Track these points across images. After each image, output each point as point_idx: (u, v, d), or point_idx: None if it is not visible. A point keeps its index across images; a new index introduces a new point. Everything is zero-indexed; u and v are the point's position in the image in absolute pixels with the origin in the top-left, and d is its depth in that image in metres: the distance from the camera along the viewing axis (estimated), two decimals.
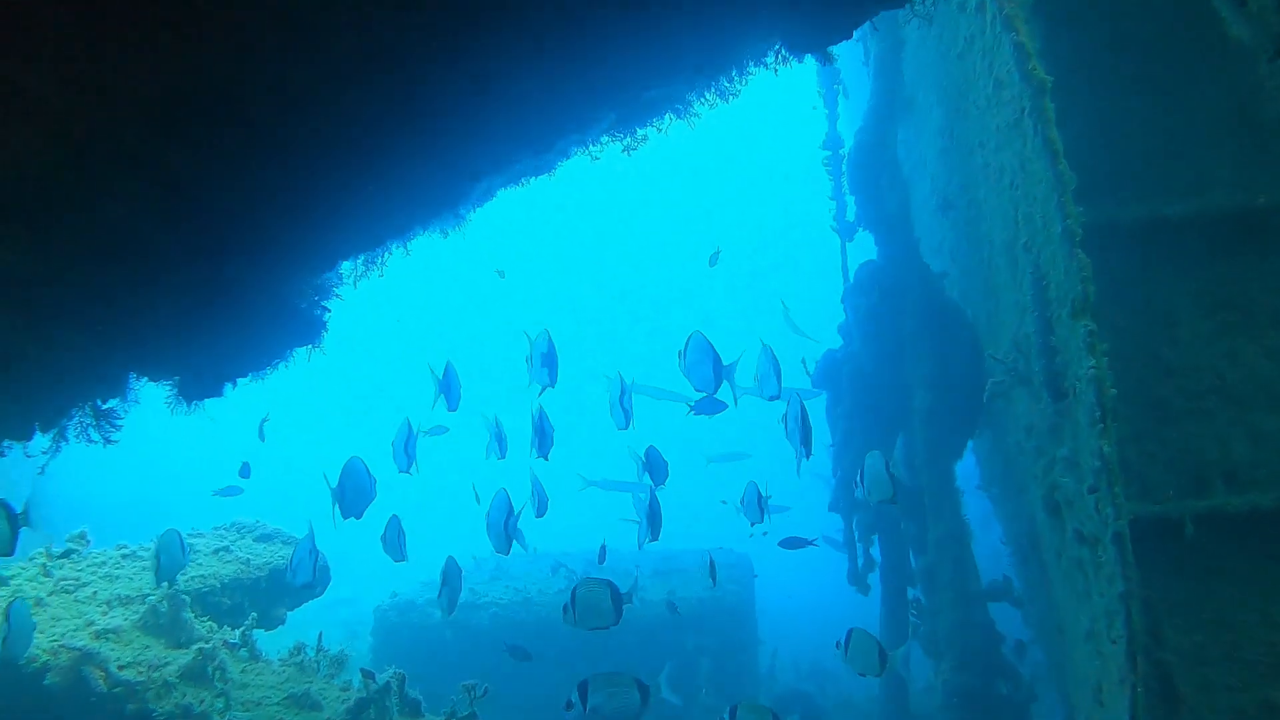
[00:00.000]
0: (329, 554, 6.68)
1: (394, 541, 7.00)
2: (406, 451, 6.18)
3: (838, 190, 9.70)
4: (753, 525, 6.82)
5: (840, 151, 9.75)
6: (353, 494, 5.64)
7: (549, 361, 6.07)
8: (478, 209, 4.10)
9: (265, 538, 7.15)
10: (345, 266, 3.77)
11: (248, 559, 6.55)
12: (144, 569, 5.86)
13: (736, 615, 12.08)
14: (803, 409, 5.30)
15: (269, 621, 6.35)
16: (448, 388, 6.03)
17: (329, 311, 3.66)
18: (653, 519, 6.45)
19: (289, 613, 6.90)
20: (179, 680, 4.80)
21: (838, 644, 5.75)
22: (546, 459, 6.80)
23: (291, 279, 3.33)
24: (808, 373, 9.96)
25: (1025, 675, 8.18)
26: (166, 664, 4.89)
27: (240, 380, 3.66)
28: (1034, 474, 6.41)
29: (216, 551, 6.54)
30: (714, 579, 6.31)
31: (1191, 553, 5.44)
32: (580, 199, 52.46)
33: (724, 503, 17.69)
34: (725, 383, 5.65)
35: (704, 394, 6.00)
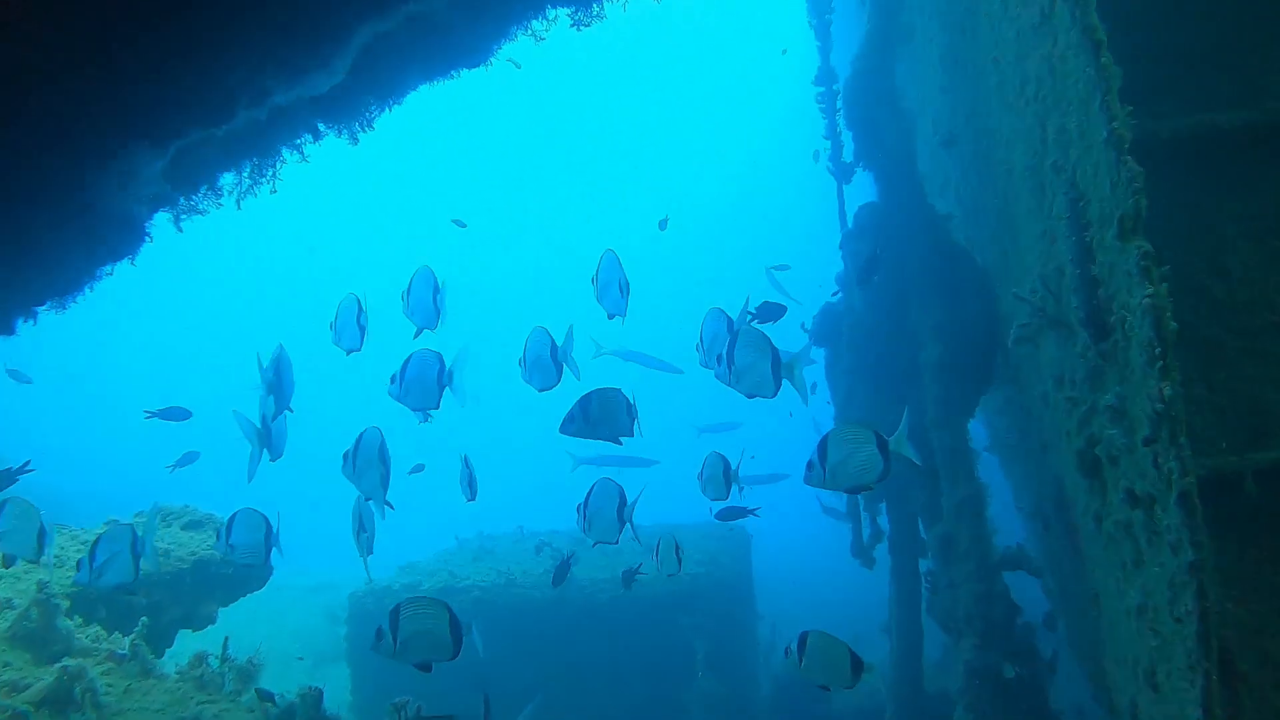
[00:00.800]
0: (292, 532, 5.88)
1: (366, 526, 6.30)
2: (359, 324, 5.25)
3: (832, 128, 8.89)
4: (713, 500, 6.19)
5: (834, 87, 8.93)
6: (287, 385, 4.85)
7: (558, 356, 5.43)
8: (389, 102, 3.30)
9: (194, 525, 6.39)
10: (227, 179, 2.98)
11: (168, 550, 5.78)
12: (33, 567, 5.07)
13: (733, 592, 11.39)
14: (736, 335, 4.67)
15: (196, 621, 5.58)
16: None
17: (149, 207, 2.85)
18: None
19: (222, 609, 6.13)
20: (35, 709, 4.00)
21: (788, 651, 5.12)
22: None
23: (82, 158, 2.50)
24: (805, 330, 9.21)
25: (1046, 651, 7.52)
26: (28, 686, 4.09)
27: (34, 309, 2.86)
28: (1065, 429, 5.66)
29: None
30: (679, 561, 5.59)
31: (1248, 511, 4.70)
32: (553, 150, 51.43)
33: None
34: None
35: (616, 315, 5.45)
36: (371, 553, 6.22)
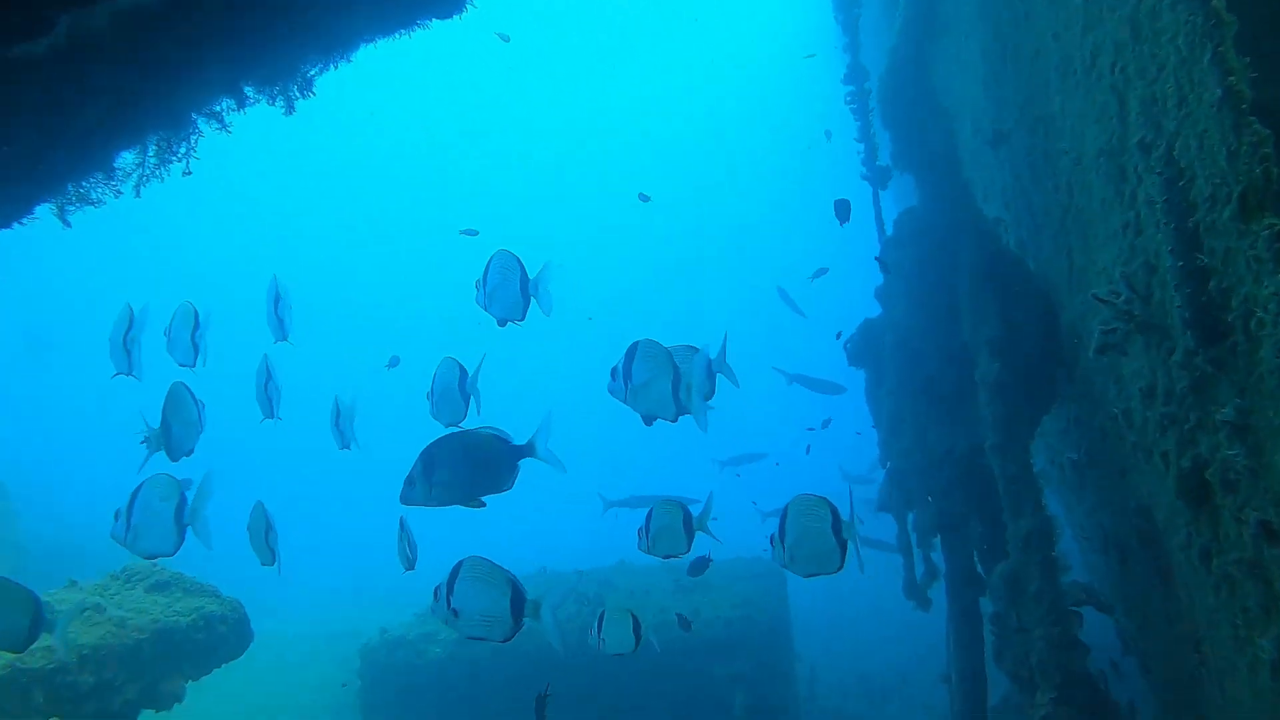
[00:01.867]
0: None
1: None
2: (340, 428, 4.76)
3: (865, 130, 8.20)
4: (665, 557, 5.56)
5: (865, 85, 8.26)
6: (180, 428, 4.22)
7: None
8: (333, 58, 2.63)
9: (159, 586, 5.70)
10: (126, 159, 2.35)
11: (123, 619, 5.08)
12: None
13: (771, 635, 10.57)
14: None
15: (159, 699, 4.85)
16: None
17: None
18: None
19: (189, 683, 5.39)
20: None
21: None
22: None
23: None
24: (843, 346, 8.49)
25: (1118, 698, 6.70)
26: None
27: None
28: (1158, 450, 4.89)
29: (83, 612, 5.07)
30: (689, 531, 4.86)
31: None
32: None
33: (754, 503, 16.29)
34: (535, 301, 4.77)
35: (513, 321, 4.85)
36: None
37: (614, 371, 4.23)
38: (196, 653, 5.37)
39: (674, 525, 4.94)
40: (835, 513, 4.19)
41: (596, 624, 5.66)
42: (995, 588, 6.42)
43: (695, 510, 4.90)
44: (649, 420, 4.50)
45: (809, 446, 14.53)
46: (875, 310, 8.19)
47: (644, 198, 12.48)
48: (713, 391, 4.31)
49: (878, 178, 8.13)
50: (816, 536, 4.19)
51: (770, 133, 47.36)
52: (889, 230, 7.68)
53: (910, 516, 7.41)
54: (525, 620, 3.98)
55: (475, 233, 12.93)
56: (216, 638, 5.60)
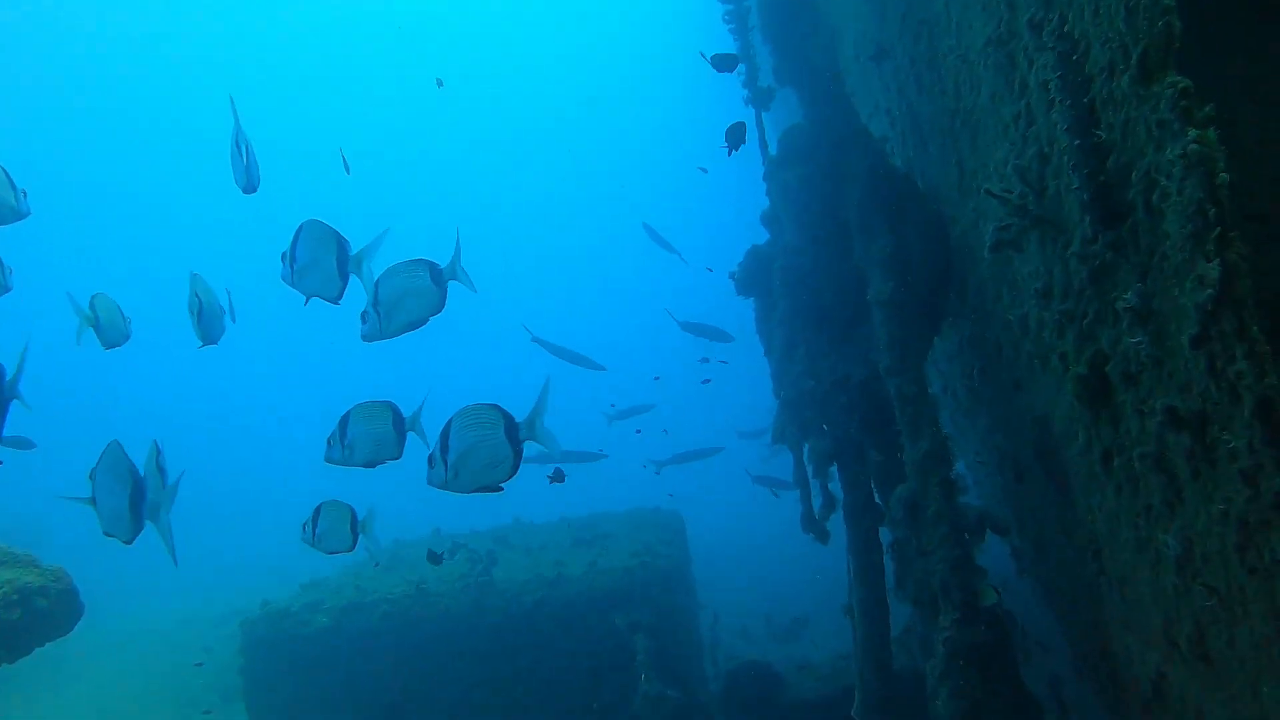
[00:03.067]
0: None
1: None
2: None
3: (745, 49, 7.84)
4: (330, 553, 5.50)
5: (745, 3, 7.90)
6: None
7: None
8: None
9: None
10: None
11: None
12: None
13: (671, 582, 10.32)
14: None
15: None
16: None
17: None
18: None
19: (6, 666, 4.78)
20: None
21: (305, 525, 5.22)
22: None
23: None
24: (734, 277, 8.20)
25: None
26: None
27: None
28: (1056, 353, 4.70)
29: None
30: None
31: None
32: None
33: (638, 432, 16.04)
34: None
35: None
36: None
37: (283, 256, 4.16)
38: (11, 632, 4.75)
39: (382, 423, 4.69)
40: (508, 418, 4.00)
41: (311, 519, 5.34)
42: (894, 512, 6.23)
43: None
44: (312, 297, 4.50)
45: (709, 380, 14.37)
46: (744, 242, 7.92)
47: (440, 83, 11.76)
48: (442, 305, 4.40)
49: (760, 99, 7.79)
50: (490, 446, 4.01)
51: (643, 62, 47.11)
52: (773, 152, 7.37)
53: (805, 447, 7.18)
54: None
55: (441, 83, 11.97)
56: (36, 613, 4.98)
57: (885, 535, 7.23)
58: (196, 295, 5.66)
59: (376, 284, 4.58)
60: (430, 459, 4.19)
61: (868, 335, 7.10)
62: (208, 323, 5.66)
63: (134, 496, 4.15)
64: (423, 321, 4.68)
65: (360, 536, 5.29)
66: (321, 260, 4.57)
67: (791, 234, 7.22)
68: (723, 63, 5.78)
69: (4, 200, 5.39)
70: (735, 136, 6.85)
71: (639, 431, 15.58)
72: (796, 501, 7.69)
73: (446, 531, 13.50)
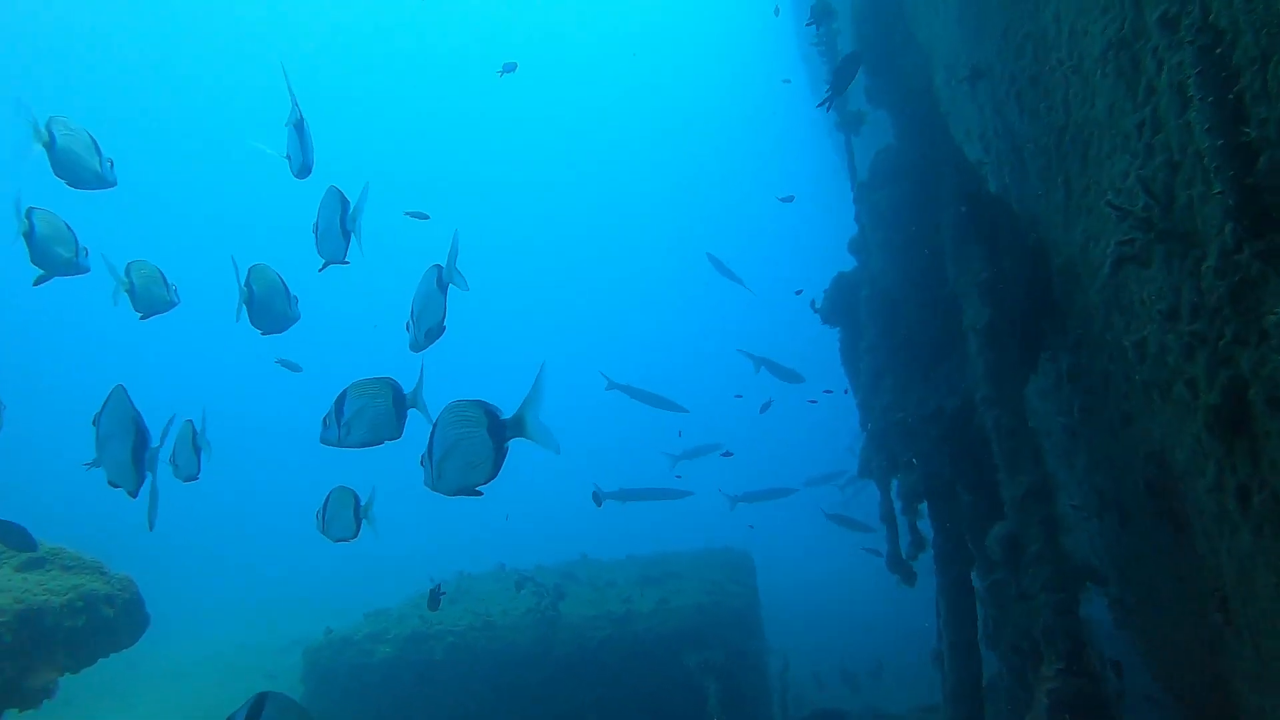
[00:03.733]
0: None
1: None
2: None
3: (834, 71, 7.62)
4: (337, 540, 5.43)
5: (834, 26, 7.70)
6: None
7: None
8: None
9: (33, 564, 4.93)
10: None
11: None
12: None
13: (743, 622, 9.96)
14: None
15: (23, 697, 4.07)
16: None
17: None
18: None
19: (72, 676, 4.63)
20: None
21: (317, 514, 5.24)
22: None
23: None
24: (815, 310, 7.92)
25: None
26: None
27: None
28: (1180, 379, 4.34)
29: None
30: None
31: None
32: None
33: (720, 490, 15.69)
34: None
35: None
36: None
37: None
38: (74, 640, 4.59)
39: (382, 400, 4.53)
40: (493, 415, 3.82)
41: (322, 507, 5.27)
42: (992, 552, 5.85)
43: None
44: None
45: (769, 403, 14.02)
46: (812, 276, 7.69)
47: (508, 69, 11.56)
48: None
49: (849, 123, 7.56)
50: (470, 444, 3.84)
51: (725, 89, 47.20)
52: (862, 176, 7.12)
53: (894, 483, 6.83)
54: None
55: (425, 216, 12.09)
56: (100, 621, 4.83)
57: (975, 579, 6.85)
58: (250, 286, 5.53)
59: (341, 397, 4.55)
60: (421, 459, 4.07)
61: (959, 366, 6.77)
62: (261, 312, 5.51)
63: (137, 446, 3.99)
64: (379, 442, 4.61)
65: (363, 522, 5.13)
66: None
67: (880, 260, 6.94)
68: (843, 71, 5.54)
69: (89, 166, 5.34)
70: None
71: (680, 433, 15.26)
72: (866, 547, 7.35)
73: (512, 566, 13.29)
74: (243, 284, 5.41)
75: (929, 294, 6.71)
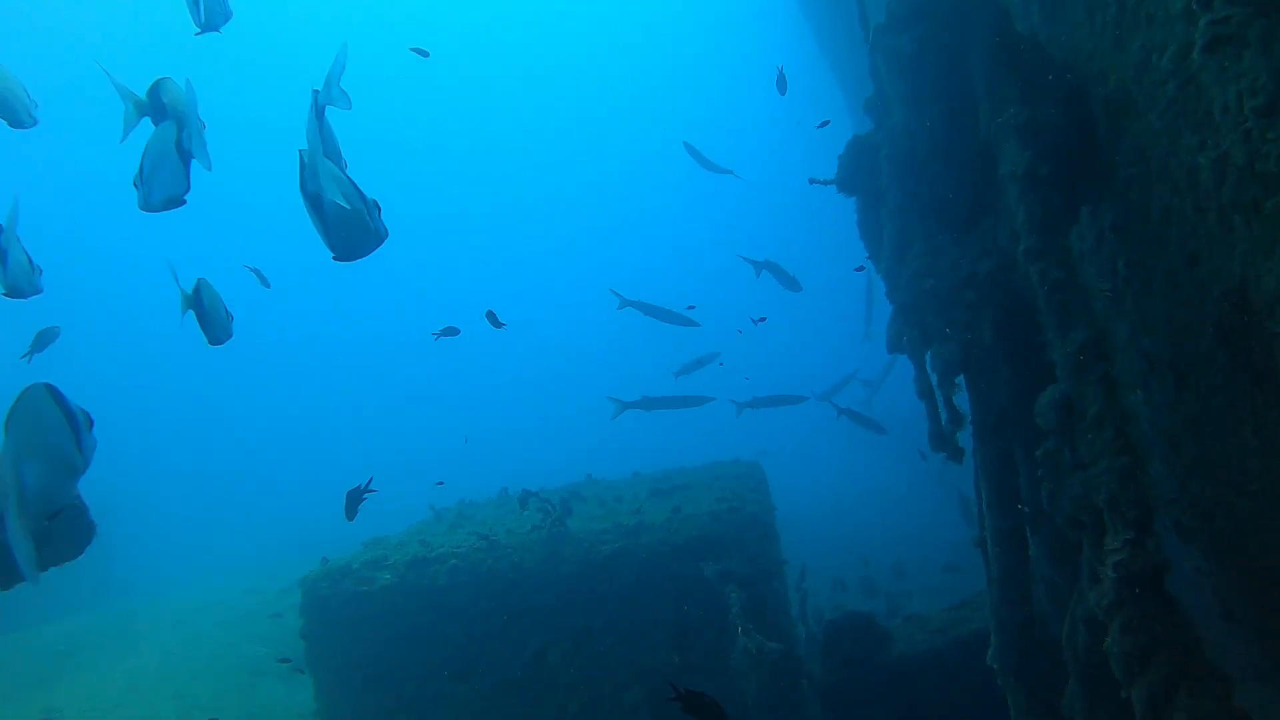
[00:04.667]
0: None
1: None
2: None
3: None
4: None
5: None
6: None
7: None
8: None
9: None
10: None
11: None
12: None
13: (760, 529, 9.48)
14: None
15: None
16: None
17: None
18: None
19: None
20: None
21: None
22: None
23: None
24: (817, 181, 7.30)
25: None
26: None
27: None
28: (1275, 191, 3.74)
29: None
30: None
31: None
32: None
33: (721, 364, 15.15)
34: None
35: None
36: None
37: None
38: None
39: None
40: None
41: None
42: (1044, 418, 5.29)
43: None
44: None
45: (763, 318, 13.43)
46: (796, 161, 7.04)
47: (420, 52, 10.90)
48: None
49: None
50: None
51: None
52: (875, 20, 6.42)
53: (928, 355, 6.26)
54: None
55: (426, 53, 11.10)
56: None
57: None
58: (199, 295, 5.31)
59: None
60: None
61: (994, 224, 6.16)
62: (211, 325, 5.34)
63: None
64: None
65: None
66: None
67: (902, 114, 6.28)
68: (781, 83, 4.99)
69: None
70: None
71: (722, 364, 14.76)
72: (872, 458, 6.81)
73: (514, 490, 12.79)
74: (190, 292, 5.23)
75: (958, 147, 6.08)
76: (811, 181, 7.84)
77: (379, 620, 9.18)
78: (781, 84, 11.02)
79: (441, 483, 12.46)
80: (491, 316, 10.93)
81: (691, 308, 12.64)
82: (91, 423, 3.67)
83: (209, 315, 5.24)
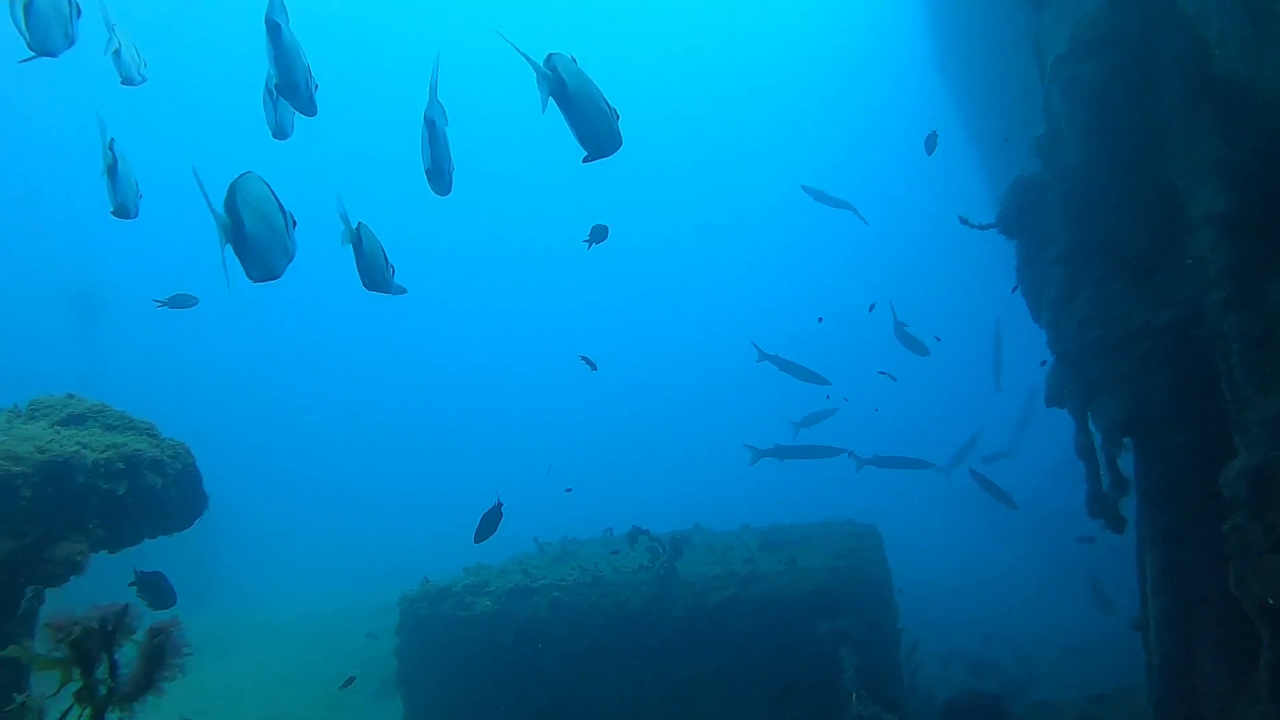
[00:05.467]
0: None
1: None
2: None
3: None
4: None
5: None
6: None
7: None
8: None
9: (74, 420, 4.22)
10: None
11: None
12: None
13: (878, 591, 8.91)
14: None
15: (45, 568, 3.28)
16: None
17: None
18: None
19: (90, 552, 3.74)
20: None
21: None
22: None
23: None
24: (968, 223, 6.88)
25: None
26: None
27: None
28: None
29: None
30: None
31: None
32: None
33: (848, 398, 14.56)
34: None
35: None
36: None
37: None
38: (112, 508, 3.82)
39: None
40: None
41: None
42: (1233, 490, 4.71)
43: None
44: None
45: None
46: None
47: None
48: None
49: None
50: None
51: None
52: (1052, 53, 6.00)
53: (1090, 410, 5.73)
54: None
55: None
56: (145, 491, 4.04)
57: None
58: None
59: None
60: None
61: (1175, 274, 5.63)
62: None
63: None
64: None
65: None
66: None
67: (1078, 150, 5.83)
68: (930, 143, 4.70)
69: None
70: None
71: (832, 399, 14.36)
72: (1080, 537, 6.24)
73: (619, 532, 12.44)
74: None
75: (1140, 186, 5.59)
76: (963, 222, 7.41)
77: (476, 646, 8.91)
78: (931, 144, 10.65)
79: (570, 489, 12.21)
80: (587, 360, 10.83)
81: (820, 319, 12.29)
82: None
83: (367, 258, 4.68)
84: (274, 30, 4.11)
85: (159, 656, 1.42)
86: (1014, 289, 6.53)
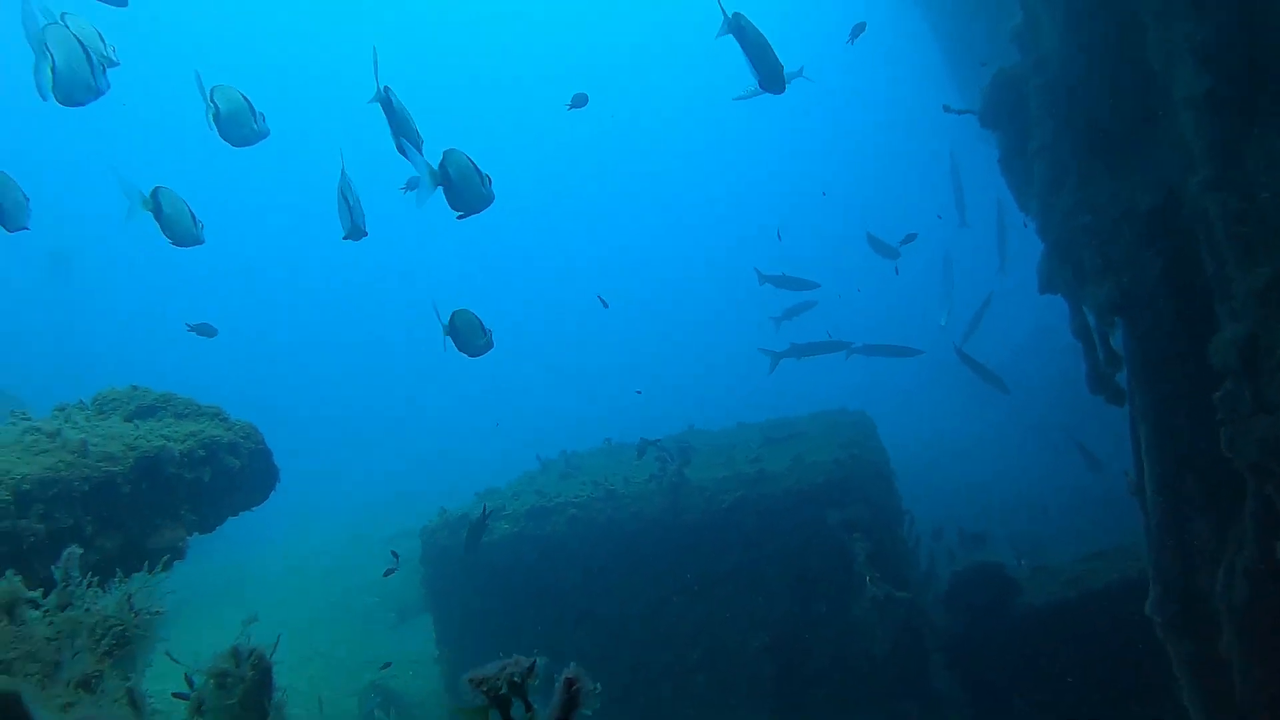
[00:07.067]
0: None
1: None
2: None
3: None
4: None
5: None
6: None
7: None
8: None
9: (144, 411, 4.40)
10: None
11: (83, 444, 3.69)
12: None
13: (882, 478, 9.29)
14: None
15: (145, 555, 3.51)
16: None
17: None
18: None
19: (201, 535, 4.05)
20: None
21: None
22: None
23: None
24: (948, 110, 7.00)
25: None
26: None
27: None
28: None
29: (25, 436, 3.69)
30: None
31: None
32: None
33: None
34: None
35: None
36: None
37: None
38: (199, 493, 4.07)
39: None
40: None
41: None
42: (1223, 359, 5.00)
43: None
44: None
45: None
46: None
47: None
48: None
49: None
50: None
51: None
52: None
53: (1085, 293, 5.98)
54: None
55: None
56: (226, 473, 4.30)
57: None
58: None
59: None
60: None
61: (1157, 157, 5.81)
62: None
63: None
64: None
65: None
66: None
67: (1056, 38, 5.94)
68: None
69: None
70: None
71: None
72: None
73: (618, 441, 12.74)
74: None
75: (1119, 71, 5.73)
76: (947, 110, 7.55)
77: (499, 568, 9.25)
78: (856, 33, 10.88)
79: (640, 391, 12.46)
80: (601, 300, 11.10)
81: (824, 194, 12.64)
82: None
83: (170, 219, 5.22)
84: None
85: (572, 704, 1.64)
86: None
